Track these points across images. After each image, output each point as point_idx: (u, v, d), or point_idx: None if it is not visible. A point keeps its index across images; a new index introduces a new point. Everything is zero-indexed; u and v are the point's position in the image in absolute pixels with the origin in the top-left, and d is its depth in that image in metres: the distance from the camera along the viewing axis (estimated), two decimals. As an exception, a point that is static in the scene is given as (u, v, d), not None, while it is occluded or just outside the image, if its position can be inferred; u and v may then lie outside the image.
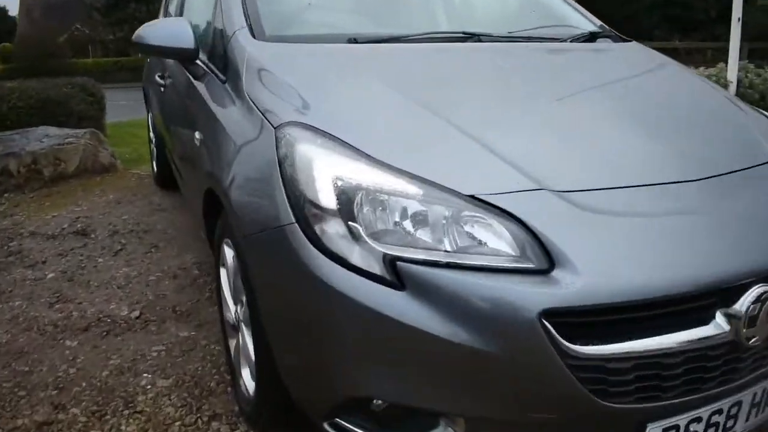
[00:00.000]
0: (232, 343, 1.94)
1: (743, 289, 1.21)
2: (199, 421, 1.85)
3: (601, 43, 2.17)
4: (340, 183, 1.24)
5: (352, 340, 1.21)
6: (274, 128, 1.43)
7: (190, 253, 3.15)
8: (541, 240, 1.16)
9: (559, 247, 1.14)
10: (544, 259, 1.15)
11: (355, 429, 1.28)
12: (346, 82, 1.58)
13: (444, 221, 1.19)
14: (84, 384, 2.05)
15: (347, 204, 1.22)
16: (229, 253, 1.77)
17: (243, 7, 1.93)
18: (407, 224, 1.20)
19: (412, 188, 1.21)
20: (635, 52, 2.14)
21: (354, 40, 1.81)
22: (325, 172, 1.26)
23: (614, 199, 1.25)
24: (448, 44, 1.88)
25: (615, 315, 1.13)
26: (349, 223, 1.20)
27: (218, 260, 1.95)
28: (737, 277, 1.21)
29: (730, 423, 1.29)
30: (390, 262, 1.16)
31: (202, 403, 1.94)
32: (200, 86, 2.07)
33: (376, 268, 1.17)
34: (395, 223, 1.20)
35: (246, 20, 1.89)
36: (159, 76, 2.89)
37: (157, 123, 3.59)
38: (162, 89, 2.85)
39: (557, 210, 1.20)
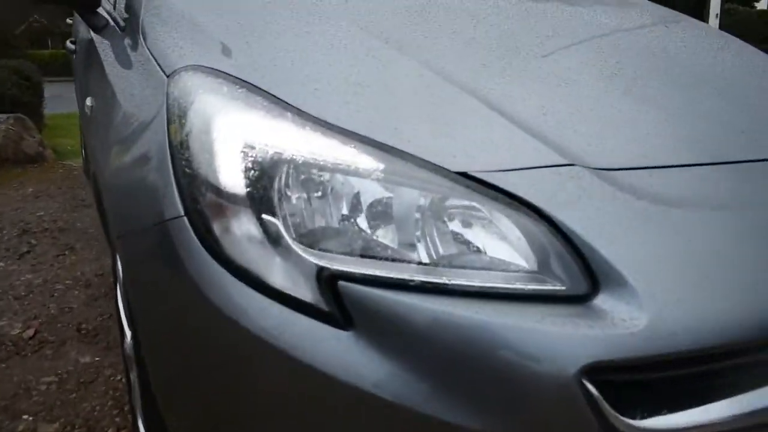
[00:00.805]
0: (132, 377, 1.46)
1: None
2: (85, 487, 1.37)
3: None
4: (252, 153, 0.77)
5: (267, 408, 0.74)
6: (168, 77, 0.96)
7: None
8: (577, 246, 0.71)
9: (606, 258, 0.70)
10: (583, 278, 0.70)
11: None
12: (272, 11, 1.11)
13: (418, 215, 0.74)
14: (-62, 432, 1.55)
15: (263, 186, 0.75)
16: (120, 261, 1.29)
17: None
18: (359, 220, 0.74)
19: (368, 161, 0.75)
20: (645, 4, 1.73)
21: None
22: (232, 137, 0.80)
23: (680, 183, 0.81)
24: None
25: (693, 368, 0.70)
26: (265, 217, 0.74)
27: (114, 269, 1.46)
28: None
29: None
30: (328, 281, 0.70)
31: (92, 459, 1.46)
32: (99, 41, 1.59)
33: (306, 292, 0.71)
34: (341, 218, 0.75)
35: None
36: (71, 42, 2.37)
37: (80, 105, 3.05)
38: (74, 57, 2.33)
39: (598, 197, 0.76)
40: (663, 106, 1.00)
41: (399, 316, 0.68)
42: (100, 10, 1.64)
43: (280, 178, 0.75)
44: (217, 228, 0.77)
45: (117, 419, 1.59)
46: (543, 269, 0.73)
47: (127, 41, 1.30)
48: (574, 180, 0.76)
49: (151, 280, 0.88)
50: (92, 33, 1.69)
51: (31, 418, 1.60)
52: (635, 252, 0.72)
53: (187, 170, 0.82)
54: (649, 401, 0.69)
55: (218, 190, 0.78)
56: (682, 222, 0.76)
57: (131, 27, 1.30)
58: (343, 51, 0.98)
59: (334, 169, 0.75)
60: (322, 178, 0.75)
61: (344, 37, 1.01)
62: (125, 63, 1.24)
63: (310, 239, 0.73)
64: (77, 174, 3.98)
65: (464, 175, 0.75)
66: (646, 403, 0.69)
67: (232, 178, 0.77)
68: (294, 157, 0.76)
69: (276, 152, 0.76)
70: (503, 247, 0.74)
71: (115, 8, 1.60)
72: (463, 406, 0.66)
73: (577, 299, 0.70)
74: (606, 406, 0.66)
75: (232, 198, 0.76)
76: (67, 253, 2.70)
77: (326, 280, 0.70)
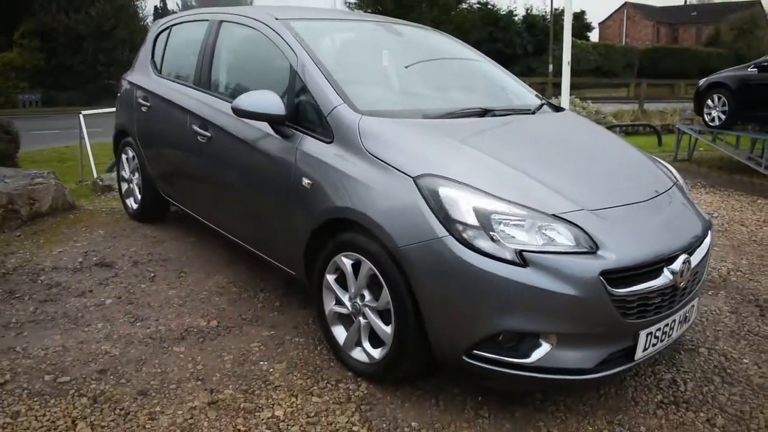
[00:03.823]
0: (337, 329, 2.70)
1: (676, 257, 2.33)
2: (329, 384, 2.58)
3: (562, 112, 3.34)
4: (480, 210, 2.15)
5: (496, 300, 2.11)
6: (413, 178, 2.30)
7: (218, 275, 3.71)
8: (590, 236, 2.17)
9: (601, 239, 2.17)
10: (595, 246, 2.16)
11: (488, 354, 2.18)
12: (444, 144, 2.50)
13: (537, 229, 2.16)
14: (218, 374, 2.64)
15: (486, 222, 2.13)
16: (347, 261, 2.55)
17: (334, 88, 2.74)
18: (520, 232, 2.14)
19: (521, 212, 2.17)
20: (574, 116, 3.33)
21: (426, 116, 2.73)
22: (467, 204, 2.17)
23: (619, 213, 2.32)
24: (486, 119, 2.89)
25: (628, 273, 2.18)
26: (490, 233, 2.12)
27: (323, 270, 2.69)
28: (675, 251, 2.33)
29: (671, 331, 2.41)
30: (519, 253, 2.09)
31: (321, 375, 2.65)
32: (297, 143, 2.80)
33: (508, 256, 2.10)
34: (513, 232, 2.14)
35: (341, 98, 2.70)
36: (200, 127, 3.48)
37: (168, 169, 4.07)
38: (205, 140, 3.43)
39: (594, 220, 2.23)
40: (609, 179, 2.53)
41: (543, 262, 2.09)
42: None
43: (492, 218, 2.13)
44: (467, 238, 2.13)
45: (316, 358, 2.78)
46: (578, 245, 2.17)
47: (344, 150, 2.57)
48: (586, 215, 2.23)
49: (431, 261, 2.19)
50: (276, 136, 2.90)
51: (266, 363, 2.74)
52: (611, 236, 2.20)
53: (446, 217, 2.16)
54: (617, 284, 2.16)
55: (466, 224, 2.14)
56: (626, 227, 2.26)
57: (347, 144, 2.57)
58: (481, 164, 2.39)
59: (511, 215, 2.15)
60: (507, 219, 2.14)
61: (476, 157, 2.44)
62: (352, 163, 2.51)
63: (508, 240, 2.12)
64: (119, 217, 4.84)
65: (553, 215, 2.18)
66: (616, 285, 2.16)
67: (472, 219, 2.14)
68: (496, 210, 2.15)
69: (490, 209, 2.14)
70: (563, 239, 2.17)
71: (297, 123, 2.84)
72: (568, 287, 2.08)
73: (593, 253, 2.15)
74: (608, 285, 2.12)
75: (473, 227, 2.13)
76: (183, 275, 3.71)
77: (518, 252, 2.09)
